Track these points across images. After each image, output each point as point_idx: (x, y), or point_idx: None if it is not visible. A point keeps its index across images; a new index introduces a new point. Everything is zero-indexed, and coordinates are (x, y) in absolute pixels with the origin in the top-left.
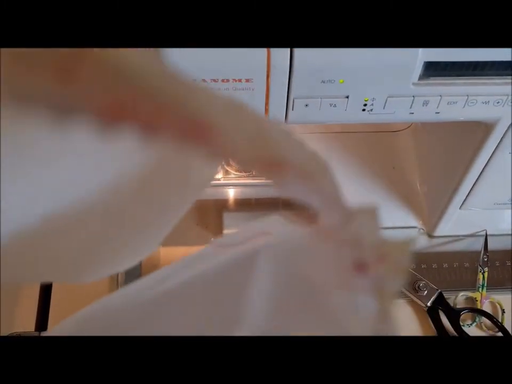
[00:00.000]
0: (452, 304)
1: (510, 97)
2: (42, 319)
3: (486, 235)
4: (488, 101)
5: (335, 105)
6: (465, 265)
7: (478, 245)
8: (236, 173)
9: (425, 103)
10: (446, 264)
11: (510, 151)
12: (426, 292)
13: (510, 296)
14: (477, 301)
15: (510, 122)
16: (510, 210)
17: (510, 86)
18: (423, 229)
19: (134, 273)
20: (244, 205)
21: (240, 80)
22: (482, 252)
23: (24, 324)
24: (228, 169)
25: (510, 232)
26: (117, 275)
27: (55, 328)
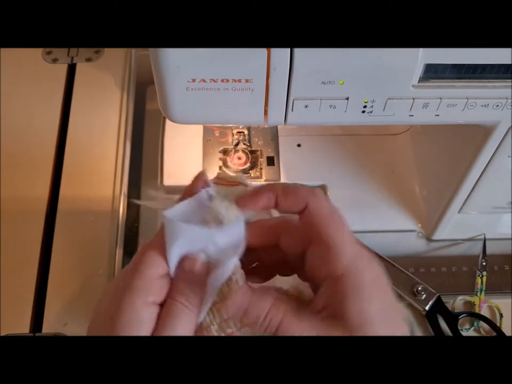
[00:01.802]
0: (450, 308)
1: (509, 101)
2: (37, 321)
3: (485, 239)
4: (488, 104)
5: (334, 107)
6: (464, 269)
7: (476, 249)
8: (233, 174)
9: (425, 106)
10: (445, 268)
11: (509, 155)
12: (424, 295)
13: (509, 300)
14: (475, 305)
15: (509, 126)
16: (508, 214)
17: (508, 90)
18: (421, 233)
19: None
20: None
21: (240, 81)
22: (480, 256)
23: (19, 325)
24: (225, 170)
25: (508, 237)
26: (113, 277)
27: None
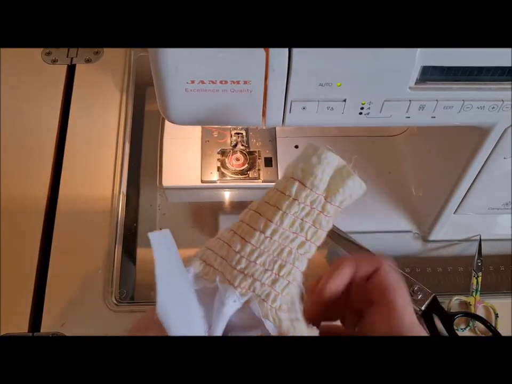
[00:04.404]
0: (446, 308)
1: (504, 103)
2: (35, 321)
3: (480, 240)
4: (483, 106)
5: (332, 108)
6: (459, 270)
7: (472, 249)
8: (231, 175)
9: (422, 107)
10: (440, 269)
11: (505, 156)
12: (420, 295)
13: (504, 300)
14: (470, 305)
15: (504, 127)
16: (503, 215)
17: (504, 92)
18: (418, 233)
19: (129, 276)
20: (240, 207)
21: (238, 82)
22: (476, 256)
23: (18, 325)
24: (223, 171)
25: (503, 237)
26: (112, 277)
27: None
